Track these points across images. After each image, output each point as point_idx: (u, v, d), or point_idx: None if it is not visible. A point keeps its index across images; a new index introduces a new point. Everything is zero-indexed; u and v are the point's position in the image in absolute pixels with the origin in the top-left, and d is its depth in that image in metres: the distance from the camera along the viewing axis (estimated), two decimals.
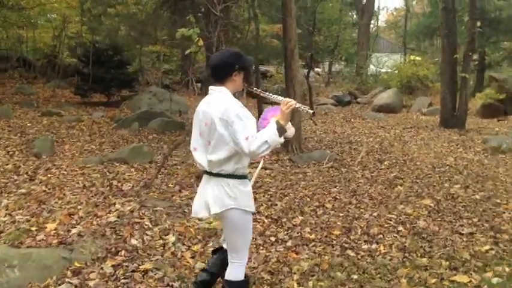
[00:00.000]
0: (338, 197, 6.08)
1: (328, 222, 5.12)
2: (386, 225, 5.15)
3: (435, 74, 18.65)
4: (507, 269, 4.17)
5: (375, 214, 5.50)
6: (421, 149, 10.07)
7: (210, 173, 2.82)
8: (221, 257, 3.10)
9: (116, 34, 14.03)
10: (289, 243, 4.52)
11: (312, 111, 2.99)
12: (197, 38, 5.06)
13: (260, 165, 3.41)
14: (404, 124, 14.10)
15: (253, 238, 4.58)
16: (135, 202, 5.26)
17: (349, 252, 4.44)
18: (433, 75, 19.23)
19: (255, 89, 3.08)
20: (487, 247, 4.67)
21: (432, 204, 6.01)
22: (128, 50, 14.96)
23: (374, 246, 4.60)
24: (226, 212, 2.79)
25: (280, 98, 2.88)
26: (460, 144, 10.77)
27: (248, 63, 2.93)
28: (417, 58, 21.67)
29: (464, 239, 4.89)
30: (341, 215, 5.38)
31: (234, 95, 2.87)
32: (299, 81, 9.38)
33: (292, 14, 8.98)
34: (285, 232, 4.79)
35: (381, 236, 4.86)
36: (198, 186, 3.07)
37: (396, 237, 4.86)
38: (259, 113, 13.06)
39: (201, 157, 2.84)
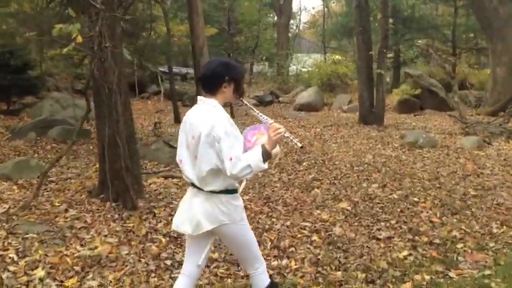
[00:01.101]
0: (249, 206, 5.52)
1: None
2: (299, 236, 4.66)
3: (354, 72, 18.80)
4: (426, 277, 3.82)
5: (288, 223, 5.00)
6: (341, 147, 9.81)
7: (199, 188, 2.67)
8: None
9: (12, 36, 12.71)
10: None
11: (300, 145, 2.72)
12: (75, 34, 4.32)
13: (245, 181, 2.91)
14: (325, 122, 13.91)
15: (145, 263, 3.92)
16: (2, 229, 4.40)
17: None
18: (352, 72, 19.39)
19: (245, 103, 2.86)
20: (405, 253, 4.32)
21: (349, 208, 5.63)
22: (29, 53, 13.63)
23: (284, 262, 4.09)
24: (220, 227, 2.68)
25: (270, 121, 2.67)
26: (379, 140, 10.64)
27: (239, 74, 2.75)
28: (337, 57, 21.86)
29: (382, 245, 4.51)
30: (250, 227, 4.81)
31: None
32: None
33: (199, 12, 8.40)
34: (184, 252, 4.14)
35: (293, 249, 4.35)
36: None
37: (310, 248, 4.38)
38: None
39: (189, 171, 2.69)
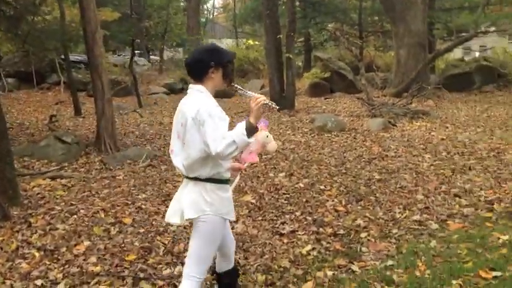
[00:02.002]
0: (144, 206, 5.05)
1: (123, 245, 4.06)
2: None
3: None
4: (329, 273, 3.59)
5: (187, 223, 4.58)
6: None
7: (188, 177, 2.63)
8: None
9: None
10: (60, 286, 3.37)
11: (277, 107, 2.78)
12: None
13: (238, 177, 2.95)
14: (237, 109, 13.61)
15: (10, 285, 3.34)
16: None
17: (143, 284, 3.45)
18: (263, 57, 19.21)
19: (239, 88, 2.81)
20: (309, 247, 4.09)
21: (254, 201, 5.34)
22: None
23: (178, 269, 3.68)
24: (202, 217, 2.58)
25: (254, 93, 2.67)
26: (289, 126, 10.52)
27: (226, 59, 2.67)
28: (250, 42, 21.55)
29: (285, 241, 4.25)
30: (141, 231, 4.36)
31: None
32: (105, 70, 8.08)
33: None
34: (61, 268, 3.61)
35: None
36: None
37: None
38: None
39: (177, 159, 2.65)
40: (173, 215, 2.70)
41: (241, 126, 2.49)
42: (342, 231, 4.44)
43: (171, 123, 9.40)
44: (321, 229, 4.50)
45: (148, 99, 16.44)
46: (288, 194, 5.59)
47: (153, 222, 4.56)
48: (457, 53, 27.48)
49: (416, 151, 7.66)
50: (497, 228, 4.31)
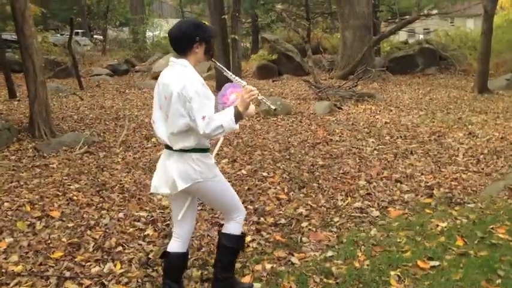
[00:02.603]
0: (76, 197, 4.74)
1: (49, 241, 3.78)
2: (131, 230, 4.04)
3: None
4: (268, 266, 3.47)
5: (120, 215, 4.35)
6: None
7: (171, 148, 2.69)
8: (176, 261, 2.96)
9: None
10: None
11: (274, 108, 2.97)
12: None
13: (221, 140, 3.05)
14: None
15: None
16: None
17: (68, 284, 3.20)
18: None
19: (218, 64, 2.94)
20: (248, 239, 3.95)
21: None
22: None
23: (108, 266, 3.45)
24: (194, 185, 2.70)
25: (243, 82, 2.81)
26: None
27: (209, 34, 2.75)
28: None
29: None
30: (70, 225, 4.07)
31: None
32: (38, 50, 7.56)
33: None
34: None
35: (121, 248, 3.73)
36: None
37: (141, 245, 3.80)
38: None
39: (161, 130, 2.72)
40: (162, 186, 2.77)
41: (230, 112, 2.61)
42: (283, 221, 4.33)
43: (113, 106, 8.92)
44: (261, 219, 4.38)
45: (90, 81, 15.78)
46: (230, 181, 5.39)
47: (84, 215, 4.27)
48: (402, 35, 28.06)
49: (361, 135, 7.67)
50: (436, 215, 4.33)
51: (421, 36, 29.30)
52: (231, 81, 2.88)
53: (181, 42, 2.66)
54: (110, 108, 10.46)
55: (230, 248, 2.97)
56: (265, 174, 5.65)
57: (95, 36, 26.92)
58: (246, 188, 5.19)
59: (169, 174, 2.70)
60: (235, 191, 5.02)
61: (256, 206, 4.69)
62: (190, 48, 2.66)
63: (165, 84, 2.64)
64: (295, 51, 16.46)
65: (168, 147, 2.73)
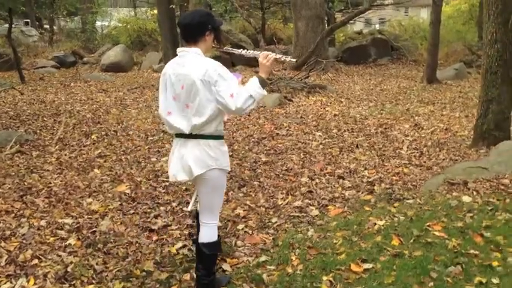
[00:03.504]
0: None
1: None
2: (51, 240, 3.75)
3: None
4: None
5: (42, 223, 4.04)
6: (141, 113, 8.95)
7: (187, 136, 2.76)
8: None
9: None
10: None
11: (294, 60, 3.09)
12: None
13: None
14: (131, 84, 12.84)
15: None
16: None
17: None
18: None
19: (225, 48, 3.12)
20: (180, 245, 3.75)
21: (129, 191, 4.88)
22: None
23: (20, 282, 3.16)
24: (208, 172, 2.77)
25: (256, 52, 2.95)
26: None
27: (219, 24, 2.87)
28: (152, 12, 20.43)
29: (155, 238, 3.87)
30: None
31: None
32: None
33: None
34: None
35: (37, 260, 3.43)
36: None
37: (61, 257, 3.51)
38: None
39: (178, 120, 2.76)
40: (179, 173, 2.83)
41: (254, 82, 2.71)
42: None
43: (55, 101, 8.43)
44: (195, 222, 4.16)
45: (34, 73, 15.06)
46: (168, 181, 5.18)
47: (0, 225, 3.94)
48: (359, 25, 28.25)
49: (308, 128, 7.56)
50: (375, 213, 4.23)
51: (377, 26, 29.63)
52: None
53: (194, 31, 2.75)
54: (50, 103, 9.96)
55: (211, 255, 3.01)
56: None
57: (45, 26, 25.84)
58: (184, 188, 4.96)
59: (185, 161, 2.77)
60: (172, 191, 4.86)
61: (192, 207, 4.47)
62: (202, 36, 2.75)
63: (180, 74, 2.69)
64: (248, 42, 16.24)
65: (182, 135, 2.79)
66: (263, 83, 2.73)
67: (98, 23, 20.53)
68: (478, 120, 5.95)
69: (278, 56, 2.87)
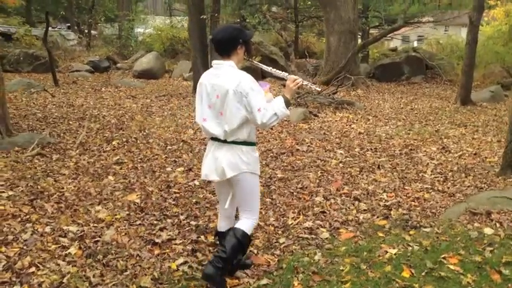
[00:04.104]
0: (3, 206, 4.38)
1: None
2: (52, 248, 3.70)
3: None
4: None
5: (47, 229, 4.00)
6: (165, 121, 8.95)
7: (223, 140, 2.99)
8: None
9: None
10: None
11: (319, 89, 3.44)
12: None
13: None
14: (160, 91, 12.93)
15: None
16: None
17: None
18: None
19: (255, 63, 3.31)
20: (181, 261, 3.64)
21: (138, 200, 4.82)
22: None
23: None
24: (240, 175, 3.01)
25: (285, 74, 3.14)
26: None
27: (249, 37, 3.08)
28: (187, 21, 20.60)
29: (156, 252, 3.77)
30: None
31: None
32: None
33: None
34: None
35: (34, 269, 3.38)
36: None
37: (60, 265, 3.45)
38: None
39: (213, 127, 3.00)
40: (212, 173, 3.08)
41: (280, 101, 2.94)
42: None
43: (83, 105, 8.51)
44: (201, 237, 4.06)
45: (69, 77, 15.38)
46: (180, 193, 5.11)
47: (4, 229, 3.92)
48: (397, 42, 27.82)
49: (330, 145, 7.38)
50: (388, 240, 4.03)
51: (415, 44, 29.12)
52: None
53: (227, 45, 2.97)
54: (79, 106, 10.10)
55: (238, 241, 3.12)
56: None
57: (85, 31, 26.48)
58: (194, 200, 4.86)
59: (218, 164, 3.01)
60: (182, 204, 4.77)
61: (200, 221, 4.37)
62: (234, 49, 2.98)
63: (215, 84, 2.93)
64: (280, 55, 16.17)
65: (217, 139, 3.02)
66: (287, 103, 2.96)
67: (139, 30, 20.81)
68: (508, 147, 5.65)
69: (305, 82, 3.10)
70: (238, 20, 19.59)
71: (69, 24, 24.96)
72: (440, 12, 21.71)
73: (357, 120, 9.76)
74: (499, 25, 24.01)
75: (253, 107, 2.85)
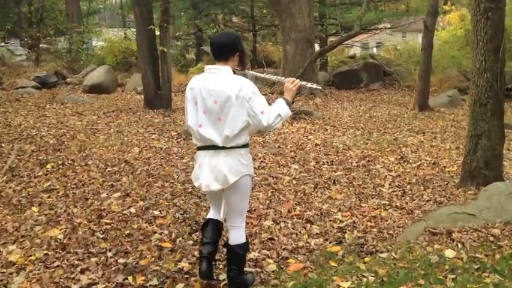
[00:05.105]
0: None
1: None
2: None
3: None
4: None
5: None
6: (109, 139, 8.32)
7: (220, 147, 2.96)
8: (215, 226, 3.32)
9: None
10: None
11: (320, 87, 3.55)
12: None
13: None
14: (109, 107, 12.24)
15: None
16: None
17: None
18: None
19: (251, 72, 3.45)
20: None
21: (61, 236, 4.25)
22: None
23: None
24: (240, 179, 2.99)
25: (282, 78, 3.32)
26: (159, 128, 9.42)
27: (243, 47, 3.16)
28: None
29: None
30: None
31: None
32: None
33: None
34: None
35: None
36: None
37: None
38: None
39: (210, 132, 2.96)
40: (213, 183, 3.01)
41: (282, 102, 3.03)
42: (154, 281, 3.48)
43: (21, 124, 7.72)
44: (129, 279, 3.51)
45: (13, 94, 14.49)
46: (112, 223, 4.54)
47: None
48: (356, 49, 27.90)
49: (284, 160, 6.94)
50: (341, 270, 3.59)
51: (374, 50, 29.29)
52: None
53: (228, 50, 3.01)
54: (16, 126, 9.34)
55: (242, 255, 3.20)
56: (156, 213, 4.79)
57: (42, 45, 25.37)
58: (127, 232, 4.30)
59: (218, 171, 2.96)
60: (112, 237, 4.21)
61: (130, 258, 3.82)
62: (233, 56, 3.02)
63: (212, 89, 2.91)
64: None
65: (212, 147, 2.97)
66: (289, 104, 3.05)
67: (99, 43, 19.99)
68: (466, 157, 5.33)
69: (304, 82, 3.21)
70: (194, 31, 19.13)
71: (19, 40, 23.91)
72: (396, 19, 21.84)
73: (314, 130, 9.39)
74: (454, 30, 24.37)
75: (256, 110, 2.88)
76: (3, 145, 7.73)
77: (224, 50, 3.01)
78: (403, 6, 23.31)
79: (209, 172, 3.00)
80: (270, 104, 3.04)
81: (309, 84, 3.31)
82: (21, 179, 6.02)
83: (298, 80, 3.13)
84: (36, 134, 8.60)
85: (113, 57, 17.62)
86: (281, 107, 2.99)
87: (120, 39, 18.77)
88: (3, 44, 23.59)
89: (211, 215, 3.38)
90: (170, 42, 12.32)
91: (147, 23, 10.94)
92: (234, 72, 3.09)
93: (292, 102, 3.13)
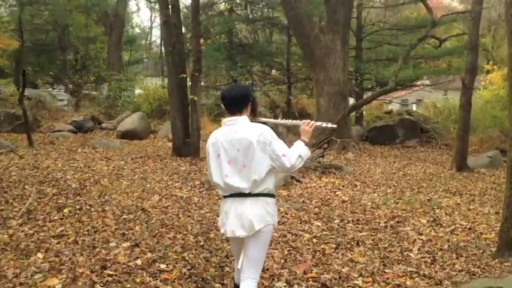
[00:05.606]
0: None
1: None
2: None
3: None
4: None
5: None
6: (132, 185, 8.20)
7: (246, 194, 3.03)
8: None
9: None
10: None
11: (334, 126, 3.61)
12: None
13: None
14: (138, 153, 12.26)
15: None
16: None
17: None
18: None
19: (262, 119, 3.38)
20: None
21: (59, 286, 3.98)
22: None
23: None
24: (265, 227, 3.05)
25: (297, 121, 3.34)
26: (184, 176, 9.27)
27: (254, 95, 3.30)
28: None
29: None
30: None
31: None
32: None
33: None
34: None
35: None
36: None
37: None
38: None
39: (237, 181, 3.04)
40: (238, 229, 3.06)
41: (300, 144, 3.12)
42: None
43: (49, 167, 7.67)
44: None
45: (49, 137, 14.84)
46: (115, 275, 4.27)
47: None
48: (395, 106, 27.54)
49: (307, 216, 6.58)
50: None
51: (414, 107, 28.86)
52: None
53: (241, 101, 3.11)
54: (44, 169, 9.39)
55: None
56: (163, 266, 4.50)
57: (85, 91, 26.30)
58: (128, 286, 4.03)
59: (245, 218, 3.02)
60: None
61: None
62: (246, 106, 3.13)
63: (234, 139, 3.02)
64: (268, 116, 15.67)
65: (239, 194, 3.04)
66: (307, 145, 3.13)
67: (137, 91, 20.56)
68: (504, 224, 4.84)
69: (318, 123, 3.29)
70: (230, 81, 19.35)
71: (64, 85, 24.86)
72: (436, 76, 21.51)
73: (343, 186, 9.00)
74: (497, 89, 23.77)
75: (278, 153, 2.99)
76: (26, 187, 7.71)
77: (238, 102, 3.11)
78: (444, 65, 23.01)
79: (235, 219, 3.06)
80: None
81: (324, 124, 3.39)
82: (36, 222, 5.90)
83: (313, 122, 3.23)
84: (61, 177, 8.59)
85: (148, 104, 17.93)
86: (301, 149, 3.09)
87: (156, 87, 19.16)
88: (50, 89, 24.61)
89: (237, 279, 3.33)
90: (202, 91, 12.35)
91: (179, 72, 11.04)
92: (251, 120, 3.14)
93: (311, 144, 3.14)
